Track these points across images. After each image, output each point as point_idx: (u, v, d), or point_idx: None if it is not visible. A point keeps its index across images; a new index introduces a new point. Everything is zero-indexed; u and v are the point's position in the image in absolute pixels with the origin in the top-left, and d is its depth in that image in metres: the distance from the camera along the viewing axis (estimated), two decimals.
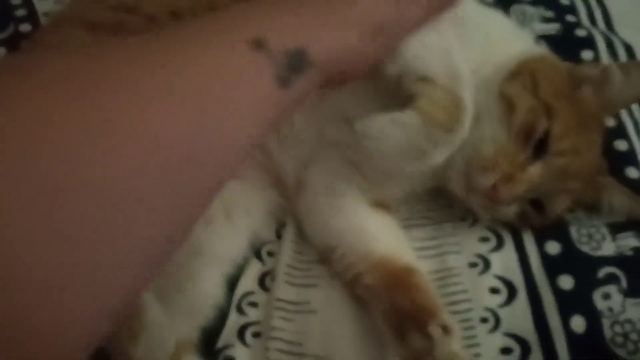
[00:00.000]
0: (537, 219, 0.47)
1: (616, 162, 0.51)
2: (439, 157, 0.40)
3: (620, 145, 0.53)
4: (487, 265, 0.47)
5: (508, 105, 0.44)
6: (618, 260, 0.46)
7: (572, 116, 0.45)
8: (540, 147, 0.44)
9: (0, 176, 0.23)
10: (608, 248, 0.47)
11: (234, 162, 0.32)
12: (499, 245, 0.48)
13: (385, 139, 0.39)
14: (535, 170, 0.44)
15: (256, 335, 0.45)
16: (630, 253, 0.46)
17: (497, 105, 0.45)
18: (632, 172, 0.51)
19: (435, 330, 0.40)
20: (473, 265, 0.47)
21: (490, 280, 0.46)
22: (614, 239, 0.47)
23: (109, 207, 0.25)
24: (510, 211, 0.46)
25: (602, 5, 0.69)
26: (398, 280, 0.43)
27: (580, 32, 0.64)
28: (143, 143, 0.27)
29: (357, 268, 0.44)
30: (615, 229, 0.48)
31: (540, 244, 0.48)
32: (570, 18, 0.67)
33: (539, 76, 0.45)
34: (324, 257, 0.47)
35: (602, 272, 0.45)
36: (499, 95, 0.45)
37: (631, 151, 0.53)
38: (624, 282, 0.44)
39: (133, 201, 0.26)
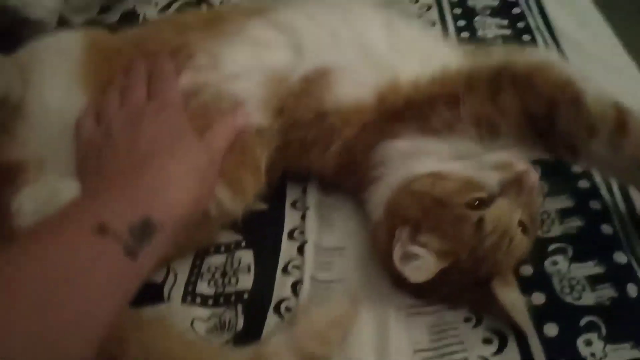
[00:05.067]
0: None
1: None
2: None
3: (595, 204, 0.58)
4: (479, 319, 0.52)
5: None
6: (597, 309, 0.50)
7: None
8: None
9: None
10: (588, 298, 0.51)
11: (99, 333, 0.37)
12: None
13: None
14: None
15: None
16: (607, 303, 0.51)
17: None
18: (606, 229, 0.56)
19: None
20: (467, 319, 0.52)
21: (483, 333, 0.51)
22: (593, 289, 0.52)
23: None
24: None
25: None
26: None
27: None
28: None
29: None
30: (595, 280, 0.53)
31: (526, 295, 0.52)
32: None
33: None
34: None
35: (584, 320, 0.50)
36: None
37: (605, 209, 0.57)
38: (603, 330, 0.49)
39: None
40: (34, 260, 0.34)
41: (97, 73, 0.58)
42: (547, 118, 0.49)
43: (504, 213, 0.48)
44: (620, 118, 0.48)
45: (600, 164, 0.52)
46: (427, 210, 0.49)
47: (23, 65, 0.57)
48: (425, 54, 0.59)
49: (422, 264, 0.48)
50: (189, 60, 0.58)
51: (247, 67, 0.57)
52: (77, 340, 0.34)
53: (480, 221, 0.48)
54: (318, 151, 0.57)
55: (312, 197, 0.64)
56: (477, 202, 0.49)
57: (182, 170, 0.45)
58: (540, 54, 0.59)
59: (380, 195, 0.55)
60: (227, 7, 0.87)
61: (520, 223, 0.50)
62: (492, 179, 0.49)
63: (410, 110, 0.53)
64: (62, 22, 0.80)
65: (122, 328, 0.43)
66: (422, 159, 0.53)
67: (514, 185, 0.49)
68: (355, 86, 0.56)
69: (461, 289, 0.50)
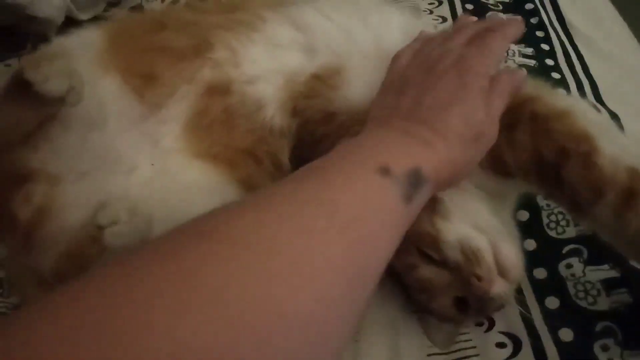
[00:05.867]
0: None
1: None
2: None
3: None
4: (491, 323, 0.51)
5: None
6: (613, 314, 0.50)
7: None
8: None
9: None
10: (603, 303, 0.51)
11: (377, 277, 0.36)
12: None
13: None
14: None
15: None
16: (623, 308, 0.50)
17: None
18: None
19: None
20: (479, 324, 0.51)
21: (496, 337, 0.50)
22: (608, 294, 0.51)
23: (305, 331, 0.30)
24: None
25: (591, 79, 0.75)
26: None
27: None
28: (316, 272, 0.31)
29: None
30: (610, 284, 0.52)
31: (540, 299, 0.52)
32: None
33: None
34: None
35: (600, 325, 0.49)
36: None
37: None
38: (620, 335, 0.48)
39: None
40: (322, 194, 0.35)
41: (122, 55, 0.56)
42: (554, 167, 0.45)
43: (434, 282, 0.48)
44: (632, 187, 0.42)
45: (604, 230, 0.46)
46: None
47: None
48: None
49: None
50: (209, 49, 0.57)
51: (267, 70, 0.57)
52: (369, 286, 0.35)
53: (413, 267, 0.48)
54: (328, 144, 0.56)
55: None
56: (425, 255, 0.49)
57: (459, 129, 0.43)
58: (569, 100, 0.53)
59: None
60: None
61: (461, 301, 0.48)
62: (454, 254, 0.47)
63: None
64: (69, 20, 0.79)
65: None
66: None
67: (462, 279, 0.47)
68: (366, 87, 0.55)
69: None
